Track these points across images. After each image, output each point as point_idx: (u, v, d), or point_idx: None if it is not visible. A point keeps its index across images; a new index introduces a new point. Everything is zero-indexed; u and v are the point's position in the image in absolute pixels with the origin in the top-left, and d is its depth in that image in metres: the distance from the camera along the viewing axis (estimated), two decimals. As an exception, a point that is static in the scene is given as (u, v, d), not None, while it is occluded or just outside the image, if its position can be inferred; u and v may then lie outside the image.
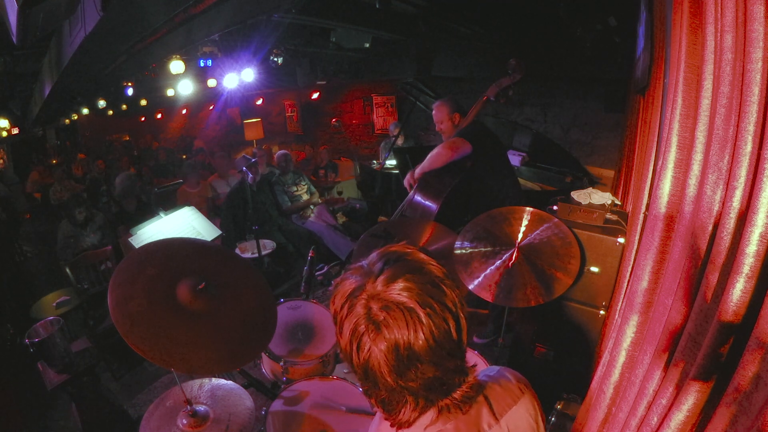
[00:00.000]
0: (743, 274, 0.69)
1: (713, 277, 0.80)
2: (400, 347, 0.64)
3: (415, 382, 0.68)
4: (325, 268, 4.08)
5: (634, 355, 1.19)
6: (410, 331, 0.64)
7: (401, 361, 0.65)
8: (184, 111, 11.83)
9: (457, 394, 0.73)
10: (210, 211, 4.57)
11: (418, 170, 2.60)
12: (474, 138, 2.49)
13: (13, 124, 7.45)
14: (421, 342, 0.64)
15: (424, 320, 0.64)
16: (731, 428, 0.68)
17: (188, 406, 1.40)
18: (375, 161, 6.34)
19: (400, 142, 5.74)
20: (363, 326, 0.66)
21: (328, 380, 1.74)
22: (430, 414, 0.74)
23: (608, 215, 1.98)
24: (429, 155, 2.52)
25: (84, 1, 2.38)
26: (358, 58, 5.86)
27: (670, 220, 1.13)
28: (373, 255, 0.74)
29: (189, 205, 3.34)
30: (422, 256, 0.72)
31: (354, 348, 0.68)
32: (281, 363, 1.78)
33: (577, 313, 2.03)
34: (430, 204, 2.61)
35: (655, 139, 1.57)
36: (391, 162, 5.67)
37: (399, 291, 0.65)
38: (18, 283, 4.36)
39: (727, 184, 0.79)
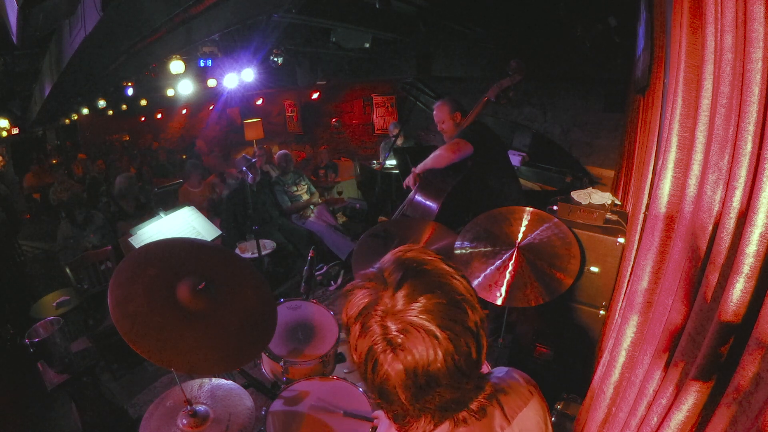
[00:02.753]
0: (743, 274, 0.69)
1: (713, 277, 0.80)
2: (418, 371, 0.62)
3: (432, 404, 0.67)
4: (325, 268, 4.10)
5: (634, 355, 1.19)
6: (429, 355, 0.61)
7: (418, 384, 0.63)
8: (184, 111, 11.83)
9: (474, 405, 0.72)
10: (210, 211, 4.57)
11: (420, 167, 2.60)
12: (475, 138, 2.50)
13: (13, 124, 7.46)
14: (439, 366, 0.62)
15: (443, 344, 0.62)
16: (731, 428, 0.68)
17: (188, 406, 1.40)
18: (375, 161, 6.34)
19: (400, 142, 5.74)
20: (379, 347, 0.63)
21: (328, 380, 1.74)
22: (446, 426, 0.72)
23: (608, 215, 1.98)
24: (431, 155, 2.52)
25: (84, 1, 2.39)
26: (358, 58, 5.85)
27: (670, 220, 1.13)
28: (389, 259, 0.70)
29: (190, 204, 3.34)
30: (443, 266, 0.68)
31: (369, 368, 0.65)
32: (281, 363, 1.77)
33: (577, 313, 2.03)
34: (430, 204, 2.61)
35: (655, 139, 1.57)
36: (391, 162, 5.67)
37: (419, 312, 0.62)
38: (18, 283, 4.36)
39: (727, 184, 0.79)
